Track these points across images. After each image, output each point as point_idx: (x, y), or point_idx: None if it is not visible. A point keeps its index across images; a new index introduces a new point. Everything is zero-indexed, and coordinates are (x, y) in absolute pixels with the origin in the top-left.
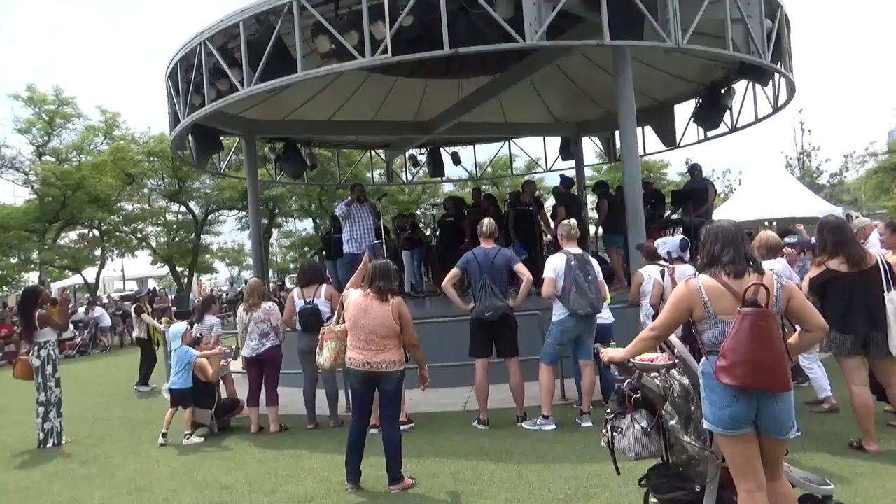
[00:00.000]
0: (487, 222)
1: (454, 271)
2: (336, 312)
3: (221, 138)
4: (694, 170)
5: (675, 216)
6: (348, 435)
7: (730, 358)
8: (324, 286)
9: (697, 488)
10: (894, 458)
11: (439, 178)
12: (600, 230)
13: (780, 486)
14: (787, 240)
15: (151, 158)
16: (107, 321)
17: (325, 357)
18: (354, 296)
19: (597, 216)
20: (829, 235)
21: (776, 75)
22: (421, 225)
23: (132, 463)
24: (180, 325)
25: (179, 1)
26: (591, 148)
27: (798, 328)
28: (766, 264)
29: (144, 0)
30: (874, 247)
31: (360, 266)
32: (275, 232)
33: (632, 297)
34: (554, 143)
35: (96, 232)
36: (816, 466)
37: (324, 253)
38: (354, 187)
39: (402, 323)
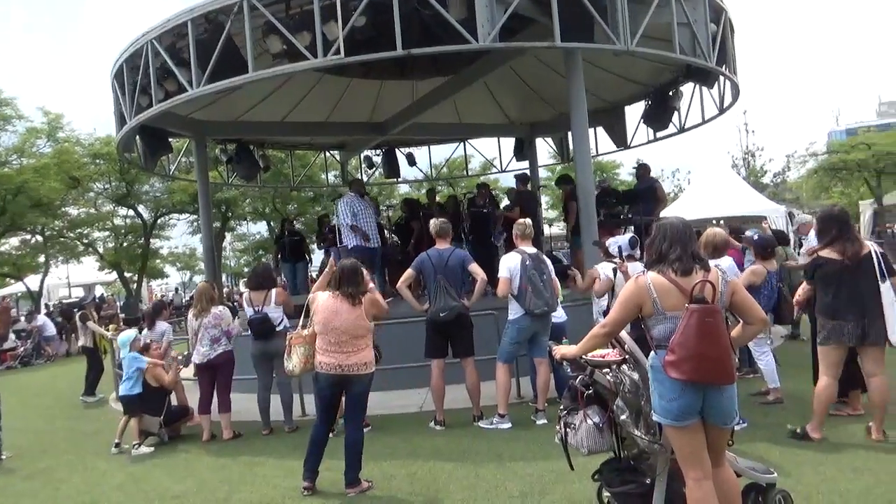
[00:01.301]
0: (435, 222)
1: (408, 272)
2: (302, 316)
3: (171, 140)
4: (641, 170)
5: (625, 216)
6: (310, 435)
7: (678, 353)
8: (273, 291)
9: (648, 481)
10: (832, 447)
11: (395, 180)
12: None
13: (724, 472)
14: (747, 233)
15: (97, 161)
16: (51, 330)
17: (294, 363)
18: (323, 298)
19: (566, 217)
20: (826, 225)
21: (721, 78)
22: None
23: (78, 476)
24: (129, 333)
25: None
26: (544, 148)
27: (741, 321)
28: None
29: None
30: (813, 243)
31: (326, 269)
32: (228, 235)
33: (584, 287)
34: (508, 143)
35: (39, 238)
36: (761, 456)
37: (279, 256)
38: (353, 183)
39: (373, 307)
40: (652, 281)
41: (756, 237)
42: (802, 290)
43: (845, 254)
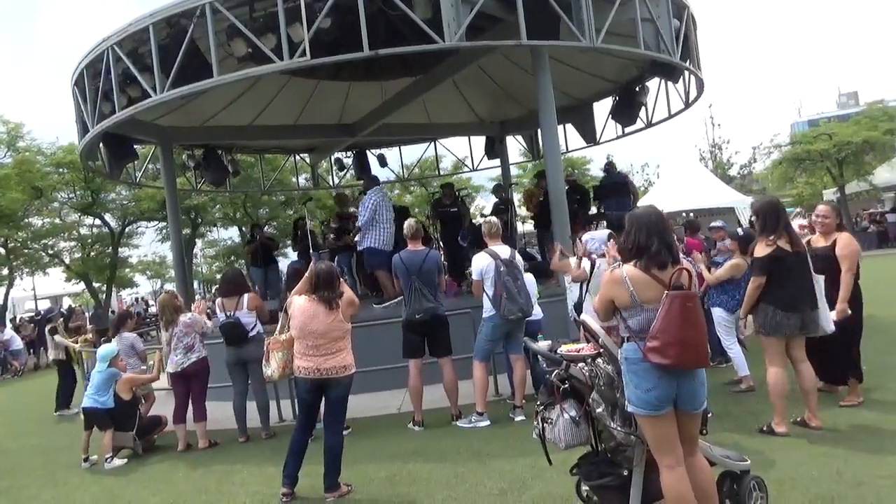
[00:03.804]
0: (408, 224)
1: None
2: (280, 321)
3: (136, 147)
4: (609, 167)
5: (597, 211)
6: (290, 441)
7: (661, 339)
8: (245, 296)
9: (625, 473)
10: (803, 434)
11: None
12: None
13: (697, 461)
14: (712, 224)
15: (61, 170)
16: (17, 344)
17: (273, 368)
18: (299, 302)
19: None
20: (774, 215)
21: (686, 72)
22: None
23: (48, 492)
24: (110, 348)
25: (84, 4)
26: (515, 146)
27: None
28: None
29: (46, 4)
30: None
31: (306, 274)
32: (199, 242)
33: (558, 266)
34: (479, 142)
35: (2, 250)
36: (735, 443)
37: (248, 260)
38: (372, 179)
39: (349, 308)
40: (628, 274)
41: (741, 232)
42: (755, 285)
43: (794, 242)
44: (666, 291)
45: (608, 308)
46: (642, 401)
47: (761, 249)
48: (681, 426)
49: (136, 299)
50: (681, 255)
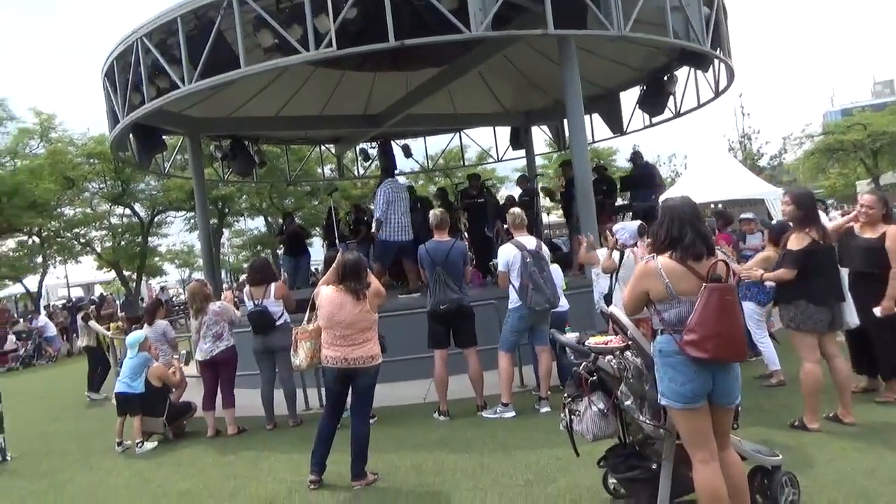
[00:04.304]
0: (434, 214)
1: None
2: (307, 310)
3: (164, 137)
4: (635, 157)
5: (624, 202)
6: (318, 429)
7: (699, 332)
8: (273, 285)
9: (654, 466)
10: (836, 429)
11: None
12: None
13: (729, 455)
14: (743, 216)
15: (92, 161)
16: (51, 330)
17: (301, 358)
18: (326, 292)
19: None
20: (814, 206)
21: (716, 61)
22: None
23: (83, 476)
24: (138, 334)
25: None
26: (540, 137)
27: None
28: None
29: None
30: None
31: (334, 264)
32: (226, 231)
33: (584, 259)
34: (504, 132)
35: (36, 239)
36: (766, 439)
37: (280, 249)
38: (385, 170)
39: (376, 298)
40: (663, 265)
41: (775, 222)
42: (787, 277)
43: (825, 234)
44: (704, 284)
45: (640, 300)
46: (677, 394)
47: (797, 241)
48: (714, 420)
49: (161, 288)
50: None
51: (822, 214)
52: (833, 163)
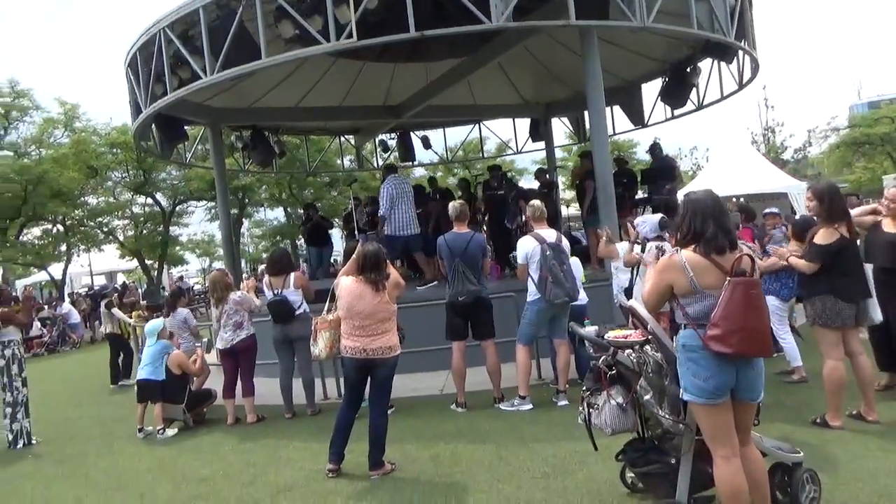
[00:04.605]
0: (454, 206)
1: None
2: (327, 301)
3: (186, 128)
4: (655, 149)
5: (643, 194)
6: (336, 418)
7: (723, 327)
8: (292, 275)
9: (673, 461)
10: (859, 426)
11: (410, 163)
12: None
13: (750, 451)
14: (767, 210)
15: (114, 150)
16: (75, 317)
17: (320, 348)
18: (346, 282)
19: (581, 197)
20: (836, 200)
21: (740, 52)
22: None
23: (106, 460)
24: (157, 322)
25: None
26: (560, 129)
27: None
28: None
29: None
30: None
31: (354, 255)
32: (246, 222)
33: (605, 252)
34: (524, 124)
35: (60, 227)
36: (786, 435)
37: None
38: (388, 168)
39: (395, 289)
40: (687, 259)
41: (798, 217)
42: (810, 270)
43: (852, 229)
44: (728, 278)
45: (664, 295)
46: (700, 389)
47: (825, 237)
48: (736, 416)
49: (179, 277)
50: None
51: None
52: (859, 156)
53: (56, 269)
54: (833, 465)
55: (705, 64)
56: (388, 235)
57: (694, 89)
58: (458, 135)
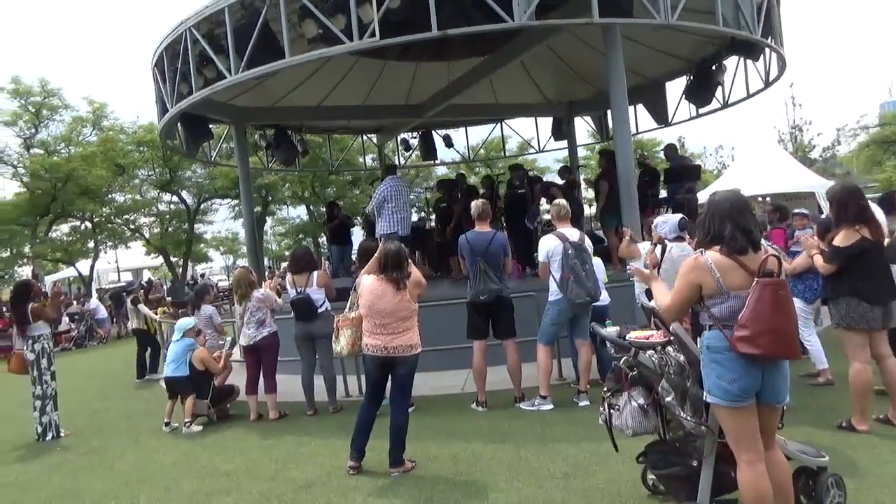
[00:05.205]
0: (476, 204)
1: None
2: (349, 299)
3: (211, 126)
4: (669, 150)
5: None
6: (357, 416)
7: (751, 328)
8: (315, 273)
9: (694, 463)
10: (886, 430)
11: (432, 162)
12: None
13: (775, 455)
14: (796, 211)
15: (141, 148)
16: (102, 313)
17: (342, 345)
18: (368, 281)
19: (596, 196)
20: (859, 201)
21: (767, 50)
22: (414, 209)
23: (132, 453)
24: (188, 321)
25: None
26: (583, 127)
27: None
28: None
29: None
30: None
31: (376, 254)
32: (269, 220)
33: (626, 252)
34: (546, 123)
35: (88, 224)
36: (811, 439)
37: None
38: (388, 168)
39: (416, 288)
40: (713, 260)
41: (824, 216)
42: (827, 272)
43: (877, 231)
44: (756, 279)
45: (691, 298)
46: (724, 391)
47: (844, 238)
48: (760, 419)
49: (201, 275)
50: (764, 241)
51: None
52: (889, 155)
53: (84, 266)
54: (859, 470)
55: (731, 61)
56: (380, 234)
57: (719, 87)
58: (479, 133)
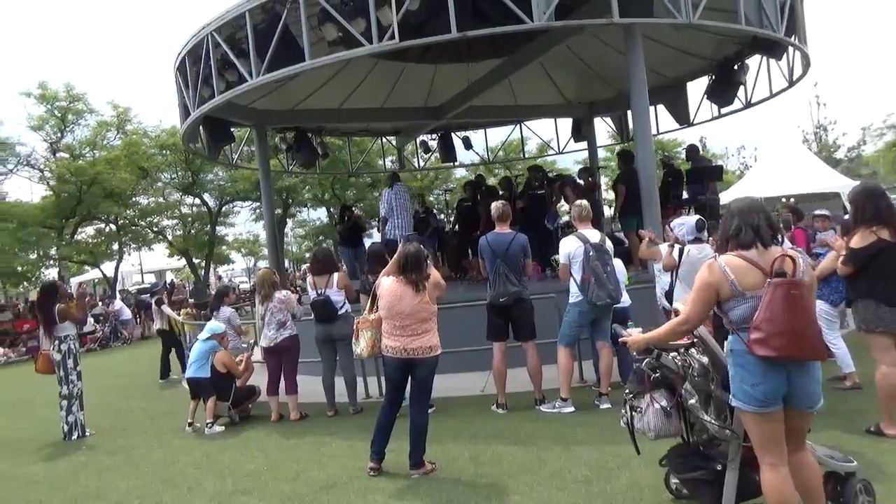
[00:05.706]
0: (496, 206)
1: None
2: (369, 300)
3: (232, 129)
4: (690, 152)
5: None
6: (377, 418)
7: (765, 329)
8: (336, 274)
9: (718, 467)
10: None
11: (451, 164)
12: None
13: (805, 457)
14: (817, 212)
15: (164, 152)
16: (127, 314)
17: (362, 347)
18: (387, 283)
19: (613, 198)
20: (877, 202)
21: (790, 49)
22: (434, 210)
23: (156, 453)
24: (219, 325)
25: None
26: (603, 128)
27: None
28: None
29: None
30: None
31: (395, 255)
32: (289, 222)
33: (647, 254)
34: (565, 124)
35: (113, 226)
36: (839, 444)
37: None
38: (392, 176)
39: (435, 290)
40: (726, 263)
41: (847, 217)
42: (843, 272)
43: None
44: (768, 280)
45: (708, 302)
46: (748, 396)
47: (860, 240)
48: (791, 424)
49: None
50: (785, 241)
51: None
52: None
53: (108, 267)
54: (888, 476)
55: (753, 61)
56: (391, 240)
57: (741, 87)
58: (499, 135)
